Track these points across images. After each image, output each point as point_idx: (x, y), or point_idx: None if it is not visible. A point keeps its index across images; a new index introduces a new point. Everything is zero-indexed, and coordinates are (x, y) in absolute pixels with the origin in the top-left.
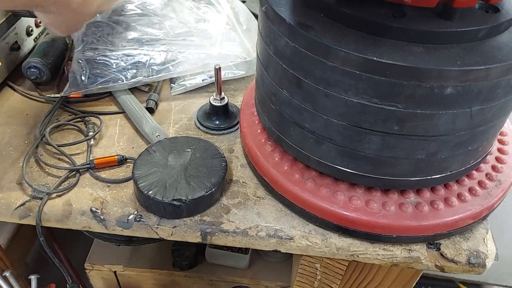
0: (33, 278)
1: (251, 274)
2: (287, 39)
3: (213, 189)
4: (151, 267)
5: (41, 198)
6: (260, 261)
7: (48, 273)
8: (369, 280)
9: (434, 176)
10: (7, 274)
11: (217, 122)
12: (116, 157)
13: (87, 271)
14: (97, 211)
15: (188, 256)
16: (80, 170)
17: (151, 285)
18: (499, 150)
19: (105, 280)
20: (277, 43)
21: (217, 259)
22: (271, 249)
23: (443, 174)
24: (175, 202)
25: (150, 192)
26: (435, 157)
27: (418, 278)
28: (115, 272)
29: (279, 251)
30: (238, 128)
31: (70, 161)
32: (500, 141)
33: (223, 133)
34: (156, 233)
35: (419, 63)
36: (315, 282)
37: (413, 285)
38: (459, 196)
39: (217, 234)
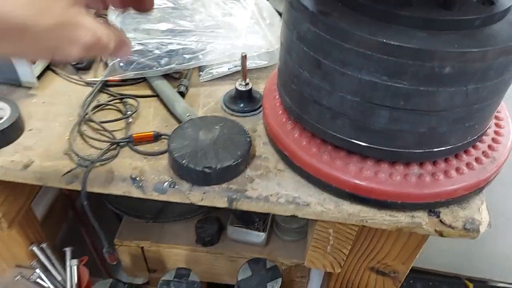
0: (68, 250)
1: (268, 251)
2: (309, 24)
3: (239, 160)
4: (176, 244)
5: (86, 166)
6: (276, 240)
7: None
8: (378, 249)
9: (435, 149)
10: (43, 245)
11: (241, 105)
12: (152, 133)
13: (116, 247)
14: (136, 178)
15: (211, 233)
16: (120, 144)
17: (175, 260)
18: (496, 132)
19: (132, 255)
20: (300, 29)
21: (237, 236)
22: (289, 214)
23: (443, 148)
24: (206, 169)
25: (184, 161)
26: (436, 131)
27: (421, 248)
28: (142, 247)
29: (297, 216)
30: (261, 111)
31: (111, 136)
32: (497, 125)
33: (247, 115)
34: (188, 198)
35: (422, 45)
36: (328, 246)
37: (417, 255)
38: (458, 169)
39: (241, 200)
